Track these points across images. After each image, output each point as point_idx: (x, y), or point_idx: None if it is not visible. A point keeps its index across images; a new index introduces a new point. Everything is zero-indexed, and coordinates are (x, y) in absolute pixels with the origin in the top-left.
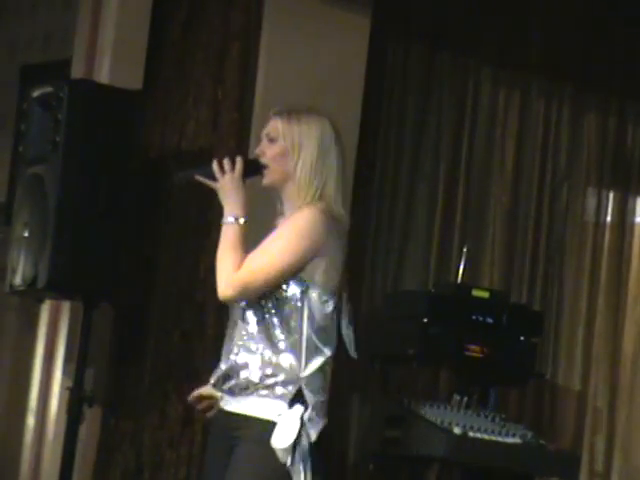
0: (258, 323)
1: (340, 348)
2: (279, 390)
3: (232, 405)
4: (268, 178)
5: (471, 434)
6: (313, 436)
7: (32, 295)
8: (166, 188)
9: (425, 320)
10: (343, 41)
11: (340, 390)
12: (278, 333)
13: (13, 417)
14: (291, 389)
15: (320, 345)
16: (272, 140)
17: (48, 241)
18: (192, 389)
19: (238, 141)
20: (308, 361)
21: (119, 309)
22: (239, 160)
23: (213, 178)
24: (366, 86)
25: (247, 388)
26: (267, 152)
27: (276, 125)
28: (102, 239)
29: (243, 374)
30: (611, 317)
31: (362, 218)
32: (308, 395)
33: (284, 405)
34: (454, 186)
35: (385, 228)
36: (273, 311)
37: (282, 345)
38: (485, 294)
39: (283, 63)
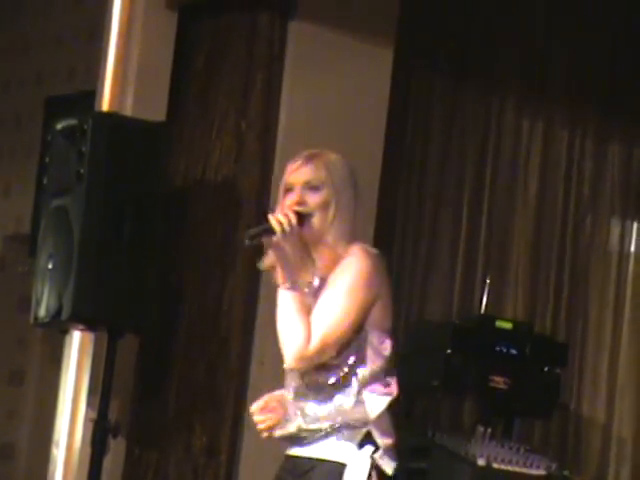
0: (324, 371)
1: None
2: (348, 433)
3: (300, 449)
4: (310, 227)
5: (495, 465)
6: (389, 471)
7: (56, 326)
8: (190, 218)
9: (449, 351)
10: (366, 72)
11: None
12: (343, 378)
13: (38, 449)
14: (360, 431)
15: (384, 386)
16: (315, 188)
17: (72, 272)
18: (216, 421)
19: (261, 172)
20: (375, 403)
21: (143, 340)
22: (293, 215)
23: (272, 233)
24: (389, 117)
25: (316, 433)
26: (309, 201)
27: (318, 173)
28: (126, 270)
29: (311, 422)
30: (635, 347)
31: (386, 249)
32: (377, 437)
33: (354, 447)
34: (477, 216)
35: (409, 259)
36: (338, 358)
37: (348, 390)
38: (509, 325)
39: (306, 94)
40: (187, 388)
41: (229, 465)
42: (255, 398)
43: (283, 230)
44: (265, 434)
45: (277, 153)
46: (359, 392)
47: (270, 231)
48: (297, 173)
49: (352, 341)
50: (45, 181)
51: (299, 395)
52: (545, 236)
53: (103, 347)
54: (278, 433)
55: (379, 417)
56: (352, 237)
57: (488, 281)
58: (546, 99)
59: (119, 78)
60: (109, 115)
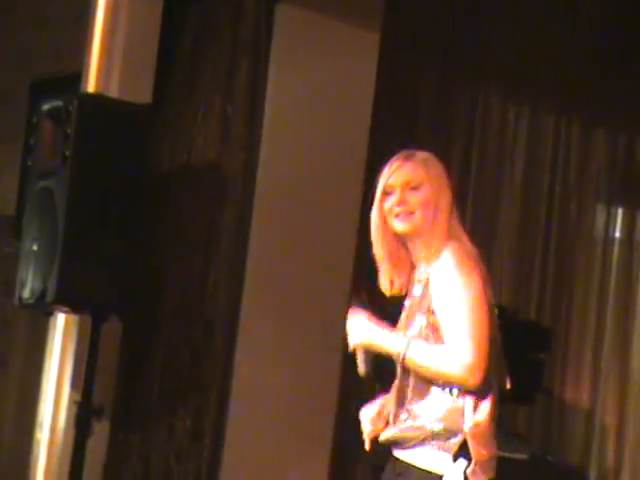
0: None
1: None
2: (445, 441)
3: (398, 452)
4: (412, 225)
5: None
6: None
7: (41, 309)
8: (175, 202)
9: None
10: (352, 57)
11: (349, 406)
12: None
13: (22, 431)
14: (457, 440)
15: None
16: (415, 188)
17: (57, 255)
18: (200, 404)
19: (247, 156)
20: (476, 410)
21: (128, 323)
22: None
23: None
24: (375, 101)
25: (413, 439)
26: (411, 200)
27: (417, 172)
28: (111, 253)
29: (410, 426)
30: (620, 333)
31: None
32: (473, 447)
33: (448, 457)
34: (463, 202)
35: None
36: None
37: (449, 394)
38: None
39: (292, 78)
40: (171, 371)
41: (213, 448)
42: (240, 382)
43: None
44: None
45: (263, 137)
46: (461, 397)
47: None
48: (396, 174)
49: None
50: (30, 163)
51: (401, 397)
52: (530, 222)
53: (87, 330)
54: (382, 438)
55: (477, 425)
56: (450, 232)
57: None
58: (532, 85)
59: (105, 60)
60: (95, 97)
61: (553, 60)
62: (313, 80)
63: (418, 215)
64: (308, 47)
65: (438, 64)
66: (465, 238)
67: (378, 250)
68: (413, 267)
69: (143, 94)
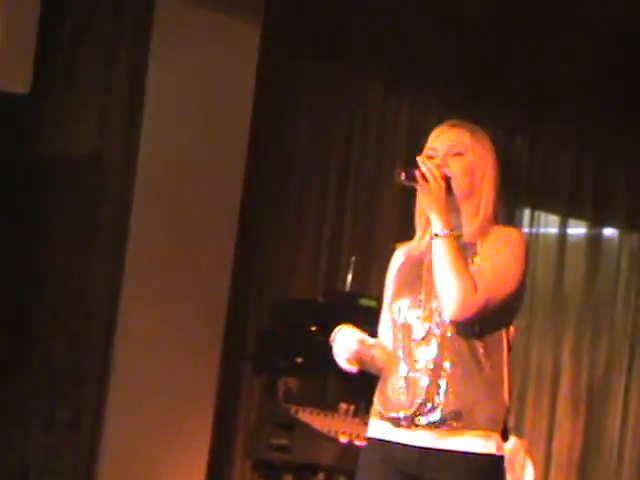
0: (463, 348)
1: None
2: (491, 422)
3: (431, 441)
4: (435, 190)
5: (357, 442)
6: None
7: None
8: (54, 192)
9: (313, 328)
10: (233, 51)
11: (228, 396)
12: (484, 361)
13: None
14: (502, 419)
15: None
16: (459, 154)
17: None
18: (79, 395)
19: (126, 147)
20: (509, 390)
21: (4, 313)
22: (440, 173)
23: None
24: (256, 97)
25: (454, 421)
26: (453, 165)
27: (463, 139)
28: None
29: (447, 406)
30: None
31: (251, 227)
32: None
33: (498, 437)
34: (344, 196)
35: (274, 237)
36: (479, 337)
37: (490, 374)
38: (373, 302)
39: (172, 71)
40: (50, 363)
41: (92, 440)
42: (119, 372)
43: (432, 180)
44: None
45: (143, 129)
46: (499, 374)
47: (422, 178)
48: (441, 137)
49: (505, 318)
50: None
51: (431, 362)
52: (410, 216)
53: None
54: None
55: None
56: (496, 213)
57: (353, 259)
58: (413, 82)
59: None
60: None
61: (434, 55)
62: (194, 72)
63: (456, 183)
64: (189, 39)
65: (319, 57)
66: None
67: (417, 214)
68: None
69: (22, 83)
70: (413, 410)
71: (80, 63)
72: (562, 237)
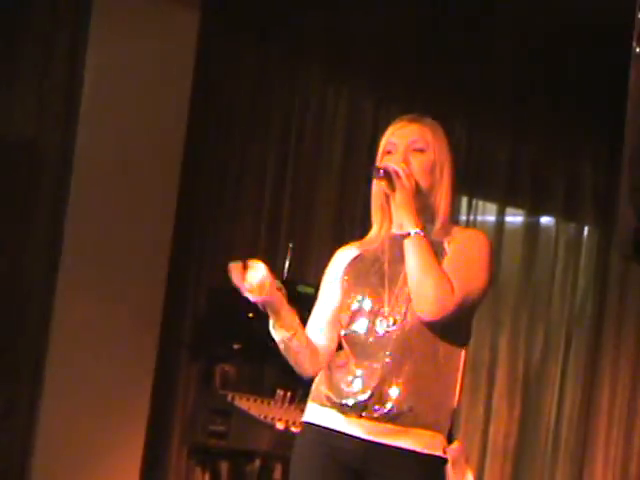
0: (423, 346)
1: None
2: (443, 421)
3: (379, 435)
4: (409, 189)
5: (293, 429)
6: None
7: None
8: None
9: (250, 315)
10: (171, 36)
11: (165, 383)
12: (443, 362)
13: None
14: (449, 421)
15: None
16: (419, 150)
17: None
18: (13, 384)
19: (64, 133)
20: (459, 394)
21: None
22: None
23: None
24: (194, 82)
25: (404, 417)
26: (413, 162)
27: (424, 135)
28: None
29: (399, 402)
30: None
31: (189, 214)
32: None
33: (443, 439)
34: (282, 183)
35: (212, 224)
36: (441, 336)
37: (446, 375)
38: (311, 290)
39: (111, 56)
40: None
41: (27, 428)
42: (55, 360)
43: (404, 177)
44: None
45: (81, 115)
46: (452, 375)
47: (395, 176)
48: (400, 132)
49: (470, 315)
50: None
51: (387, 358)
52: (349, 204)
53: None
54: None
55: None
56: (452, 211)
57: (291, 246)
58: (352, 68)
59: None
60: None
61: (372, 43)
62: (132, 58)
63: (416, 179)
64: (127, 25)
65: (257, 46)
66: None
67: (374, 210)
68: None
69: None
70: (364, 399)
71: (17, 48)
72: (500, 225)
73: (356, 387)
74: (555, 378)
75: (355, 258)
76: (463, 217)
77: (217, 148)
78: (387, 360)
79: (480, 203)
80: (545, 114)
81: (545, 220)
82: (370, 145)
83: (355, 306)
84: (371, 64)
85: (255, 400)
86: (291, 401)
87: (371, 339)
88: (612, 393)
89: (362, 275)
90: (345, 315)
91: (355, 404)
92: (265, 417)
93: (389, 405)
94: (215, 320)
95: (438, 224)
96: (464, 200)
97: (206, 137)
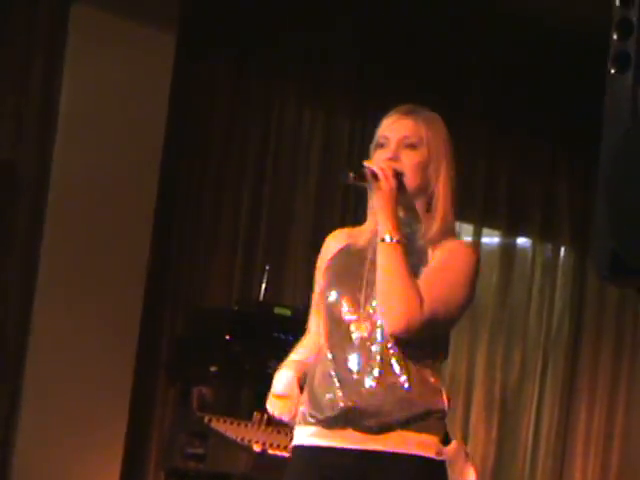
0: (402, 353)
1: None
2: (430, 426)
3: (366, 443)
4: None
5: (270, 451)
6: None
7: None
8: None
9: (227, 337)
10: (148, 58)
11: (142, 404)
12: (423, 367)
13: None
14: (442, 424)
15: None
16: (412, 146)
17: None
18: None
19: (41, 156)
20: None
21: None
22: (391, 171)
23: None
24: (171, 104)
25: (393, 424)
26: (405, 159)
27: (418, 129)
28: None
29: (384, 409)
30: None
31: (166, 233)
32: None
33: (437, 441)
34: (258, 204)
35: (189, 245)
36: (419, 344)
37: (427, 380)
38: (287, 312)
39: (88, 78)
40: None
41: (2, 447)
42: (32, 378)
43: (383, 179)
44: (288, 417)
45: (57, 138)
46: (437, 377)
47: (373, 177)
48: (394, 126)
49: (446, 328)
50: None
51: (369, 365)
52: (325, 225)
53: None
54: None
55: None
56: (454, 217)
57: (267, 268)
58: (327, 88)
59: None
60: None
61: (349, 61)
62: (109, 80)
63: (408, 179)
64: (104, 47)
65: (235, 68)
66: None
67: (369, 202)
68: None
69: None
70: (346, 410)
71: None
72: (476, 246)
73: (335, 399)
74: (532, 399)
75: (341, 250)
76: None
77: (194, 167)
78: (367, 369)
79: (457, 224)
80: (520, 133)
81: (521, 241)
82: (346, 164)
83: (329, 306)
84: (346, 83)
85: (232, 422)
86: (268, 423)
87: (348, 347)
88: (589, 414)
89: (342, 273)
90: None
91: (337, 416)
92: (242, 439)
93: (373, 416)
94: (192, 342)
95: (435, 229)
96: None
97: (182, 158)
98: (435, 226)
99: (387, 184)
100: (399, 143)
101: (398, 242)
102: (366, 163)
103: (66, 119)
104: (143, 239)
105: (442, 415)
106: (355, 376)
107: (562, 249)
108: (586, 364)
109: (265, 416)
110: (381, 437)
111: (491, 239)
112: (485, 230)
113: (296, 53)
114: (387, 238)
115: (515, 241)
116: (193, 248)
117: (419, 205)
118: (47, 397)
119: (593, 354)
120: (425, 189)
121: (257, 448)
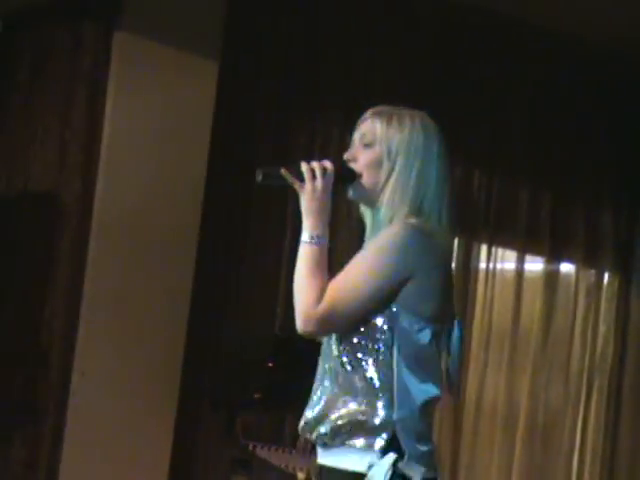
0: (344, 359)
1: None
2: (370, 438)
3: (322, 457)
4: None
5: (314, 479)
6: (417, 478)
7: None
8: (11, 230)
9: (270, 364)
10: (191, 86)
11: (186, 434)
12: (367, 370)
13: None
14: (385, 436)
15: (417, 382)
16: (367, 145)
17: None
18: (35, 434)
19: (84, 183)
20: (402, 402)
21: None
22: (330, 166)
23: (300, 179)
24: (214, 131)
25: (336, 437)
26: (360, 158)
27: (374, 128)
28: None
29: (330, 421)
30: None
31: (209, 262)
32: (405, 443)
33: (376, 455)
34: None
35: (233, 272)
36: (359, 345)
37: (371, 385)
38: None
39: (130, 106)
40: (6, 401)
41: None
42: (75, 412)
43: (303, 179)
44: None
45: (100, 165)
46: (384, 384)
47: (285, 178)
48: (357, 127)
49: (371, 316)
50: None
51: (318, 382)
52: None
53: None
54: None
55: (408, 419)
56: (418, 212)
57: None
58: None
59: None
60: None
61: (391, 86)
62: (151, 108)
63: (364, 178)
64: (147, 75)
65: (277, 95)
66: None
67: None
68: None
69: None
70: (306, 422)
71: (38, 100)
72: (519, 272)
73: (308, 408)
74: (576, 425)
75: None
76: (483, 264)
77: (237, 198)
78: (326, 378)
79: (499, 250)
80: (564, 160)
81: (565, 267)
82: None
83: None
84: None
85: (276, 449)
86: (312, 450)
87: (320, 356)
88: (635, 441)
89: None
90: None
91: (302, 427)
92: (286, 466)
93: (323, 427)
94: (235, 368)
95: (384, 223)
96: (483, 248)
97: (225, 187)
98: (387, 222)
99: (310, 184)
100: (358, 143)
101: (309, 242)
102: (303, 163)
103: (109, 147)
104: (186, 266)
105: (388, 426)
106: (316, 386)
107: (606, 274)
108: (630, 390)
109: (309, 443)
110: (329, 449)
111: (534, 265)
112: (528, 256)
113: (336, 79)
114: (305, 239)
115: (558, 267)
116: (237, 274)
117: (374, 202)
118: (91, 428)
119: (637, 379)
120: (379, 189)
121: (301, 475)
